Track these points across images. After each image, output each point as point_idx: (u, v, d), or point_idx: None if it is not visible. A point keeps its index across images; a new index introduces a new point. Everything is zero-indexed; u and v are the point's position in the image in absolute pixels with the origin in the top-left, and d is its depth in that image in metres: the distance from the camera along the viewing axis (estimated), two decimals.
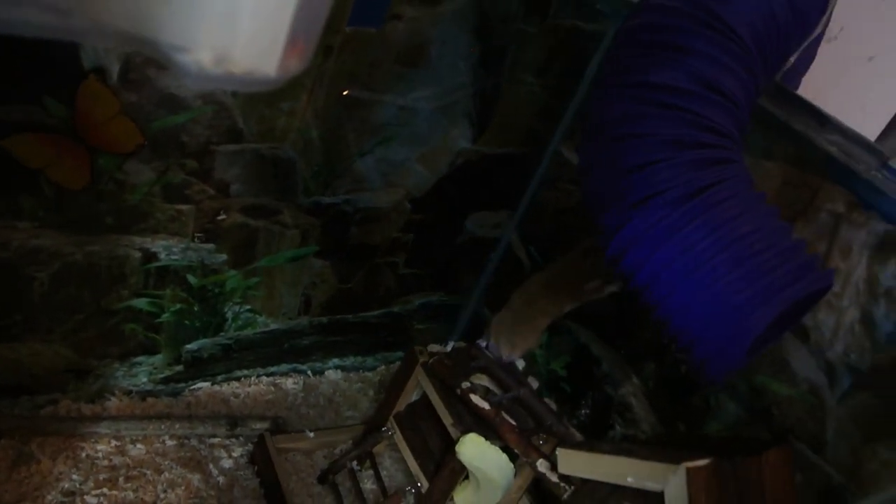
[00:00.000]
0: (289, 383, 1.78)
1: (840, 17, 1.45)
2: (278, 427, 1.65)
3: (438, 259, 1.78)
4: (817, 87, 1.53)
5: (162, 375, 1.61)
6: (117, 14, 0.49)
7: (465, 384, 1.40)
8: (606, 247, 1.02)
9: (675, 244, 0.94)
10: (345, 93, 1.36)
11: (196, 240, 1.42)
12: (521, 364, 1.58)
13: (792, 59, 1.19)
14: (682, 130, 0.97)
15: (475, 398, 1.38)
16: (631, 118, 0.99)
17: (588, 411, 1.60)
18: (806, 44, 1.18)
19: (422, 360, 1.48)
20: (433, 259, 1.77)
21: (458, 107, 1.49)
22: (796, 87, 1.39)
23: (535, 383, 1.52)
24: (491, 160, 1.63)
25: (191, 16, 0.48)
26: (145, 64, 1.14)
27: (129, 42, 0.51)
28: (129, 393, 1.59)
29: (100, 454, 1.47)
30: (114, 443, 1.50)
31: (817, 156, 1.22)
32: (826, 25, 1.26)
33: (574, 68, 1.54)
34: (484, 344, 1.53)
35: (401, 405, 1.57)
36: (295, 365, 1.79)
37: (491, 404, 1.38)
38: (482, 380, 1.48)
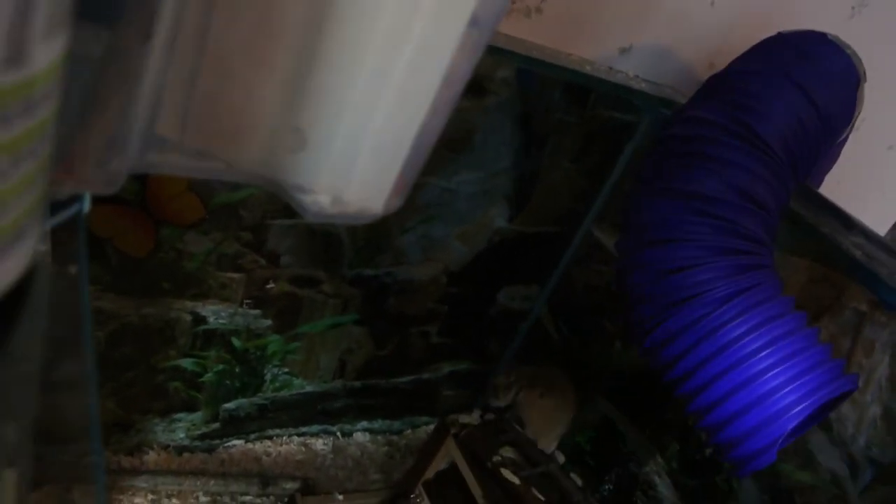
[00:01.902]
0: (318, 444, 1.83)
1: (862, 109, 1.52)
2: (308, 488, 1.69)
3: (470, 329, 1.84)
4: (839, 174, 1.61)
5: (199, 432, 1.67)
6: (250, 159, 0.57)
7: (496, 458, 1.45)
8: (642, 340, 1.08)
9: (716, 341, 1.00)
10: None
11: (244, 306, 1.49)
12: None
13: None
14: (720, 237, 1.03)
15: (506, 472, 1.42)
16: (670, 223, 1.06)
17: (611, 487, 1.64)
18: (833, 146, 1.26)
19: (453, 430, 1.53)
20: (465, 329, 1.84)
21: (499, 189, 1.57)
22: (820, 183, 1.46)
23: (560, 457, 1.56)
24: (525, 238, 1.70)
25: (314, 163, 0.56)
26: None
27: (259, 181, 0.59)
28: (166, 447, 1.64)
29: None
30: (150, 496, 1.55)
31: (842, 257, 1.28)
32: (852, 129, 1.34)
33: (608, 155, 1.62)
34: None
35: (430, 473, 1.62)
36: (325, 426, 1.84)
37: (521, 479, 1.42)
38: (510, 452, 1.52)
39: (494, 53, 1.30)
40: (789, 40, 1.18)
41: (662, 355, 1.05)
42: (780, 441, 0.97)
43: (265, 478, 1.65)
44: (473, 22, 0.50)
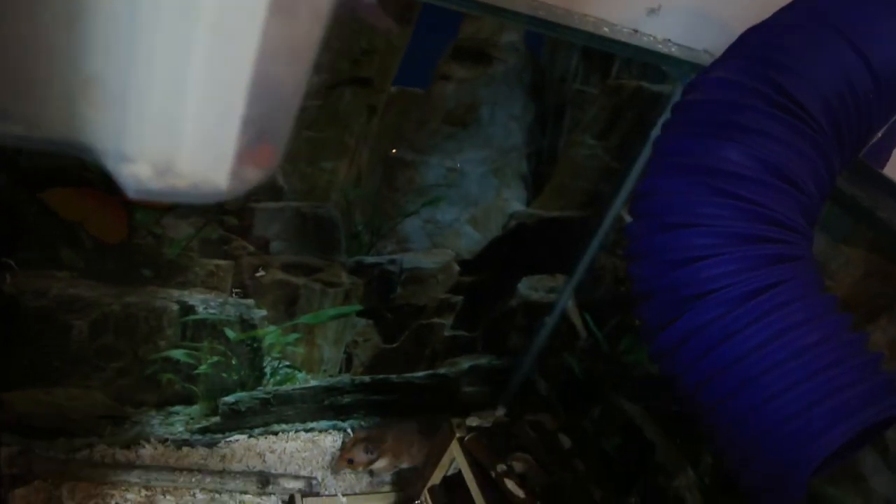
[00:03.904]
0: (327, 441, 1.73)
1: None
2: (311, 488, 1.59)
3: (489, 322, 1.70)
4: None
5: (199, 426, 1.59)
6: (51, 118, 0.44)
7: (501, 467, 1.31)
8: (650, 342, 0.92)
9: (731, 349, 0.83)
10: (393, 151, 1.31)
11: (234, 295, 1.39)
12: (567, 442, 1.47)
13: (879, 134, 1.06)
14: (742, 222, 0.86)
15: (510, 483, 1.28)
16: (684, 205, 0.89)
17: (638, 501, 1.47)
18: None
19: (458, 434, 1.39)
20: (483, 322, 1.69)
21: (511, 168, 1.42)
22: (883, 164, 1.25)
23: (567, 442, 1.41)
24: (547, 223, 1.54)
25: (128, 122, 0.43)
26: None
27: (72, 148, 0.47)
28: (164, 441, 1.57)
29: (129, 503, 1.45)
30: (144, 493, 1.48)
31: None
32: None
33: (639, 130, 1.44)
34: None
35: (436, 478, 1.49)
36: (335, 422, 1.74)
37: (527, 492, 1.28)
38: (522, 460, 1.38)
39: (493, 14, 1.14)
40: None
41: (671, 362, 0.88)
42: (811, 474, 0.79)
43: (265, 476, 1.56)
44: None
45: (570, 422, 1.61)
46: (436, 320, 1.64)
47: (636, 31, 1.26)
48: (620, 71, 1.33)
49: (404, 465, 1.63)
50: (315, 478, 1.62)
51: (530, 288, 1.67)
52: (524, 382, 1.83)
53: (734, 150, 0.88)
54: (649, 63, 1.32)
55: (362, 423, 1.77)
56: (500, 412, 1.92)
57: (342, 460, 1.59)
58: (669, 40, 1.30)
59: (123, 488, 1.46)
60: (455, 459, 1.42)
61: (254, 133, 0.46)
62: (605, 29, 1.21)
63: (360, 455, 1.56)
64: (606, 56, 1.31)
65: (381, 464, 1.59)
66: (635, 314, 0.95)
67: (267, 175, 0.50)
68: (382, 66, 1.19)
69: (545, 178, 1.46)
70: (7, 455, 1.38)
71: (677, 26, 1.29)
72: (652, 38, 1.28)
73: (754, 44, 0.95)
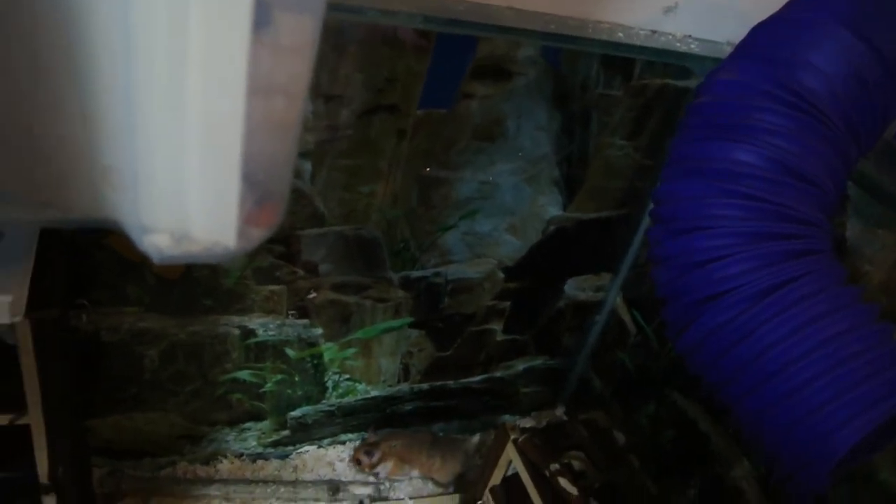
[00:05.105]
0: None
1: None
2: (380, 493, 1.67)
3: (538, 324, 1.74)
4: None
5: (270, 440, 1.68)
6: (83, 203, 0.52)
7: (554, 466, 1.35)
8: (675, 344, 0.94)
9: (751, 345, 0.85)
10: (426, 170, 1.37)
11: (290, 316, 1.48)
12: (621, 439, 1.50)
13: None
14: (754, 221, 0.87)
15: (563, 482, 1.32)
16: (698, 208, 0.91)
17: (696, 492, 1.49)
18: None
19: (512, 436, 1.44)
20: (533, 324, 1.73)
21: (544, 176, 1.45)
22: None
23: (636, 462, 1.43)
24: (586, 224, 1.56)
25: (144, 200, 0.50)
26: None
27: (107, 224, 0.54)
28: (240, 456, 1.68)
29: None
30: None
31: None
32: None
33: (668, 126, 1.45)
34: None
35: (496, 479, 1.54)
36: (398, 430, 1.81)
37: (580, 489, 1.32)
38: (577, 459, 1.41)
39: (506, 34, 1.18)
40: None
41: (695, 360, 0.91)
42: (835, 466, 0.80)
43: (335, 484, 1.64)
44: (261, 23, 0.42)
45: (625, 418, 1.63)
46: (486, 326, 1.69)
47: (654, 31, 1.28)
48: (643, 71, 1.35)
49: (414, 473, 1.69)
50: (384, 483, 1.69)
51: (577, 288, 1.70)
52: (580, 381, 1.86)
53: (746, 152, 0.89)
54: (669, 63, 1.33)
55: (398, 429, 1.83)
56: (560, 411, 1.95)
57: (354, 460, 1.68)
58: (690, 36, 1.31)
59: (205, 502, 1.57)
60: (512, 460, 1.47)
61: (255, 197, 0.53)
62: (620, 34, 1.23)
63: (363, 457, 1.65)
64: (627, 58, 1.33)
65: (387, 468, 1.65)
66: (661, 316, 0.97)
67: (272, 231, 0.56)
68: (406, 91, 1.24)
69: (579, 182, 1.49)
70: (98, 476, 1.51)
71: (697, 21, 1.30)
72: (671, 37, 1.29)
73: (761, 42, 0.96)
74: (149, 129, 0.46)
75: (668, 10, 1.28)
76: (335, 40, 1.14)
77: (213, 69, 0.42)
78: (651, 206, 1.02)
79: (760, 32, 1.00)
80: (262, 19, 0.41)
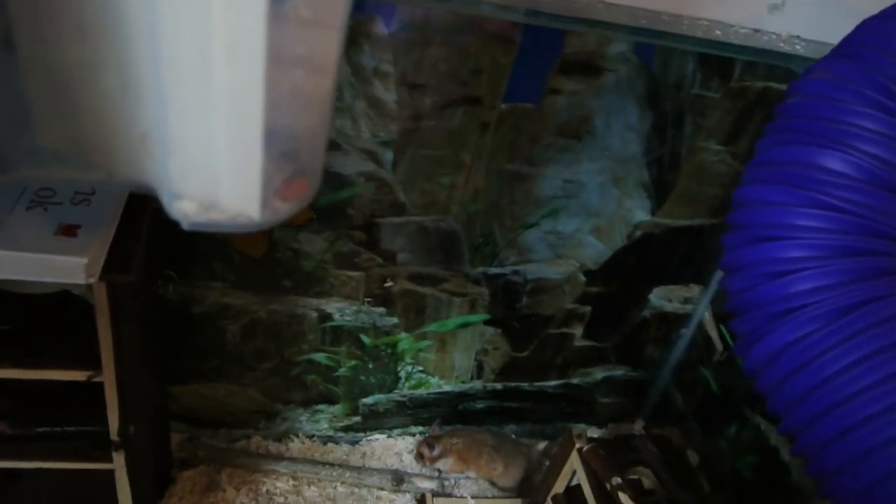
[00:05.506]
0: None
1: None
2: (443, 488, 1.66)
3: (621, 333, 1.68)
4: None
5: (341, 424, 1.71)
6: (123, 167, 0.54)
7: (616, 479, 1.29)
8: (743, 359, 0.88)
9: (820, 370, 0.78)
10: (509, 165, 1.35)
11: (366, 303, 1.50)
12: (694, 459, 1.42)
13: None
14: (839, 234, 0.80)
15: (624, 497, 1.27)
16: (778, 216, 0.85)
17: None
18: None
19: (577, 444, 1.40)
20: (614, 332, 1.67)
21: (632, 178, 1.40)
22: None
23: (706, 486, 1.36)
24: (675, 232, 1.50)
25: (176, 167, 0.52)
26: None
27: (144, 189, 0.56)
28: (311, 437, 1.72)
29: (278, 491, 1.60)
30: (291, 482, 1.62)
31: None
32: None
33: None
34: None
35: (560, 487, 1.50)
36: (463, 428, 1.79)
37: None
38: (642, 475, 1.35)
39: (593, 28, 1.15)
40: None
41: (762, 380, 0.84)
42: None
43: (399, 475, 1.65)
44: None
45: (703, 438, 1.55)
46: (565, 330, 1.65)
47: (757, 30, 1.21)
48: (743, 72, 1.27)
49: (472, 474, 1.66)
50: (448, 479, 1.68)
51: (663, 298, 1.63)
52: (662, 395, 1.78)
53: (835, 158, 0.82)
54: (773, 64, 1.25)
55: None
56: (639, 425, 1.88)
57: (417, 453, 1.67)
58: (797, 37, 1.22)
59: (274, 477, 1.62)
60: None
61: (285, 172, 0.53)
62: (718, 32, 1.17)
63: (425, 450, 1.64)
64: (726, 58, 1.26)
65: (446, 464, 1.63)
66: (731, 329, 0.91)
67: (302, 206, 0.56)
68: (491, 84, 1.23)
69: (669, 187, 1.42)
70: (178, 441, 1.59)
71: (805, 20, 1.21)
72: (775, 37, 1.21)
73: (862, 40, 0.88)
74: (177, 100, 0.47)
75: (773, 8, 1.20)
76: (421, 29, 1.15)
77: (232, 39, 0.43)
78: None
79: (863, 29, 0.92)
80: None
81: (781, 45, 1.20)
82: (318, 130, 0.52)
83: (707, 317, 1.62)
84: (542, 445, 1.70)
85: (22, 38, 0.49)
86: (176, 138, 0.49)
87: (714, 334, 1.60)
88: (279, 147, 0.50)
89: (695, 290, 1.63)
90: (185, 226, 0.53)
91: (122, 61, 0.47)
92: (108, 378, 1.01)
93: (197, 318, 1.44)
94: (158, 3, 0.42)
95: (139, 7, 0.44)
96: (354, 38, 1.14)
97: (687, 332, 1.68)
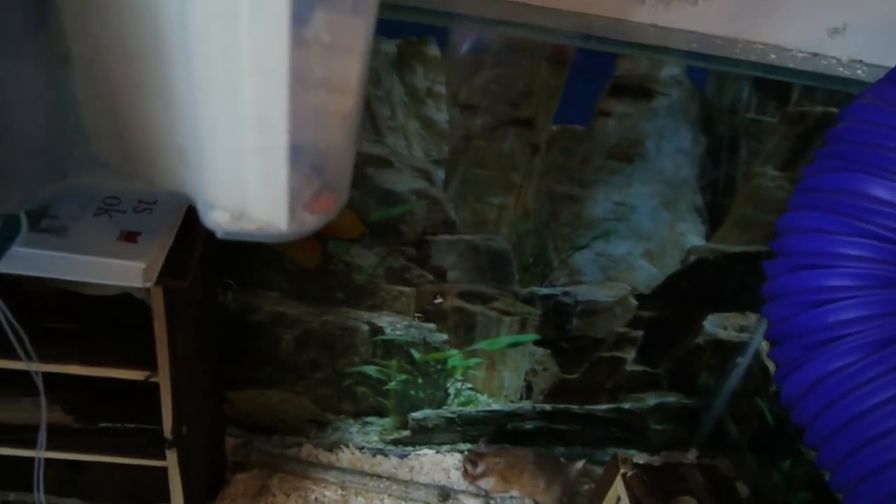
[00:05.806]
0: None
1: None
2: None
3: (674, 359, 1.65)
4: None
5: (391, 437, 1.74)
6: (163, 178, 0.58)
7: None
8: (781, 387, 0.86)
9: (861, 399, 0.76)
10: (559, 186, 1.36)
11: (417, 319, 1.52)
12: (744, 491, 1.38)
13: None
14: (884, 264, 0.78)
15: None
16: (821, 244, 0.83)
17: None
18: None
19: (622, 469, 1.38)
20: (667, 358, 1.65)
21: (685, 202, 1.38)
22: None
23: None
24: (731, 258, 1.47)
25: (210, 179, 0.55)
26: (364, 164, 1.28)
27: (182, 199, 0.60)
28: (361, 448, 1.75)
29: (326, 499, 1.63)
30: (340, 492, 1.66)
31: None
32: None
33: None
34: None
35: None
36: (507, 447, 1.79)
37: None
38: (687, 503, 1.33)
39: (644, 52, 1.15)
40: None
41: (799, 410, 0.82)
42: None
43: (446, 490, 1.66)
44: (299, 21, 0.45)
45: (756, 471, 1.51)
46: (616, 353, 1.64)
47: (815, 54, 1.18)
48: (802, 97, 1.25)
49: (515, 493, 1.65)
50: (494, 498, 1.69)
51: (718, 325, 1.60)
52: (716, 424, 1.74)
53: (882, 186, 0.81)
54: (834, 89, 1.22)
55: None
56: (692, 455, 1.84)
57: (462, 469, 1.68)
58: (860, 61, 1.20)
59: (323, 485, 1.66)
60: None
61: (312, 186, 0.56)
62: (773, 56, 1.15)
63: (468, 466, 1.64)
64: (783, 82, 1.23)
65: (489, 483, 1.63)
66: (770, 356, 0.90)
67: (329, 219, 0.59)
68: (542, 106, 1.25)
69: (724, 212, 1.40)
70: (233, 445, 1.65)
71: (868, 44, 1.19)
72: (835, 61, 1.19)
73: None
74: (208, 117, 0.51)
75: (834, 32, 1.18)
76: (474, 51, 1.17)
77: (257, 62, 0.46)
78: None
79: None
80: (301, 17, 0.44)
81: (841, 69, 1.18)
82: (344, 148, 0.55)
83: (764, 346, 1.57)
84: (579, 464, 1.68)
85: (77, 59, 0.54)
86: (208, 153, 0.53)
87: (771, 364, 1.56)
88: (305, 162, 0.53)
89: (751, 318, 1.59)
90: (219, 234, 0.57)
91: (161, 82, 0.51)
92: (163, 378, 1.07)
93: (254, 325, 1.50)
94: (191, 31, 0.46)
95: (175, 34, 0.48)
96: (407, 59, 1.18)
97: (743, 361, 1.63)
